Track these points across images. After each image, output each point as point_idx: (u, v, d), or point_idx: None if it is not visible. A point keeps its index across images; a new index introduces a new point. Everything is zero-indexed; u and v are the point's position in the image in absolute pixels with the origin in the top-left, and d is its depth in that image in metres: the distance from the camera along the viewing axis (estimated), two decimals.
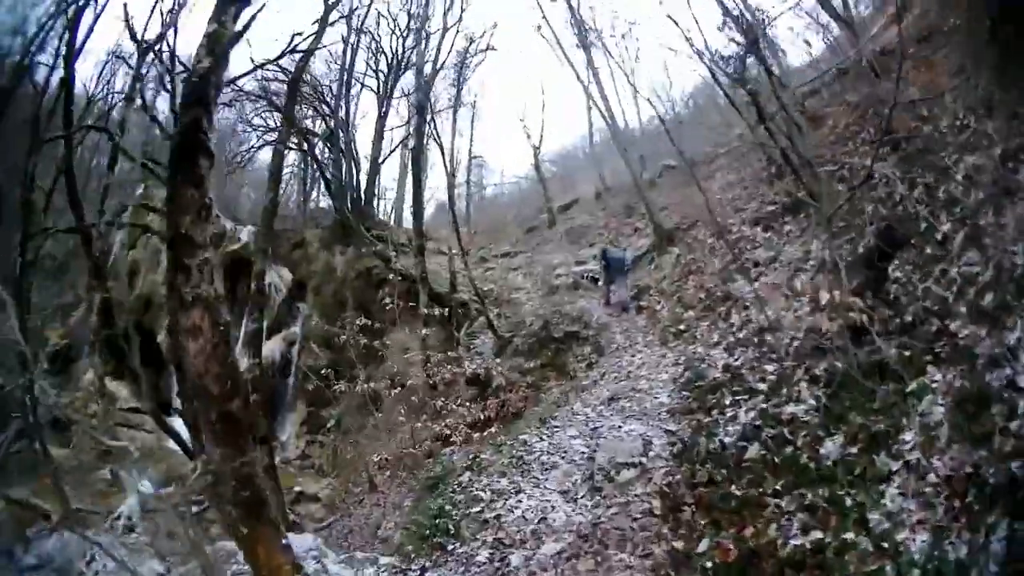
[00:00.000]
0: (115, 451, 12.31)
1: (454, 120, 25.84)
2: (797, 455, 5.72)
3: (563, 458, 6.73)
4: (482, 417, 11.27)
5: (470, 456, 7.56)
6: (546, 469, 6.57)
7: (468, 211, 32.01)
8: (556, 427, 7.76)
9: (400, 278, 16.46)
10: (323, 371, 13.31)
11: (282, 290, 19.56)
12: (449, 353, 14.81)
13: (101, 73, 16.38)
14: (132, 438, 13.39)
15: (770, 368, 7.19)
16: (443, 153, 18.55)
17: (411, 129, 19.53)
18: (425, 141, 20.66)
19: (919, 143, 7.52)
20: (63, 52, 10.78)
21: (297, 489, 12.62)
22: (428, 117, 18.77)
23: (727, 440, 6.09)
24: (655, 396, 7.92)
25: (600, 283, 15.12)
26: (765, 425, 6.19)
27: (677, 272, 13.45)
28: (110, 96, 16.87)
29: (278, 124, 20.41)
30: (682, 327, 10.75)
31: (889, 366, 5.94)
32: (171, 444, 11.89)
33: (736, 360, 7.82)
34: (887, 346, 6.23)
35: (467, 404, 11.84)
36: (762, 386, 6.90)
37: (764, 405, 6.54)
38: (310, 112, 22.22)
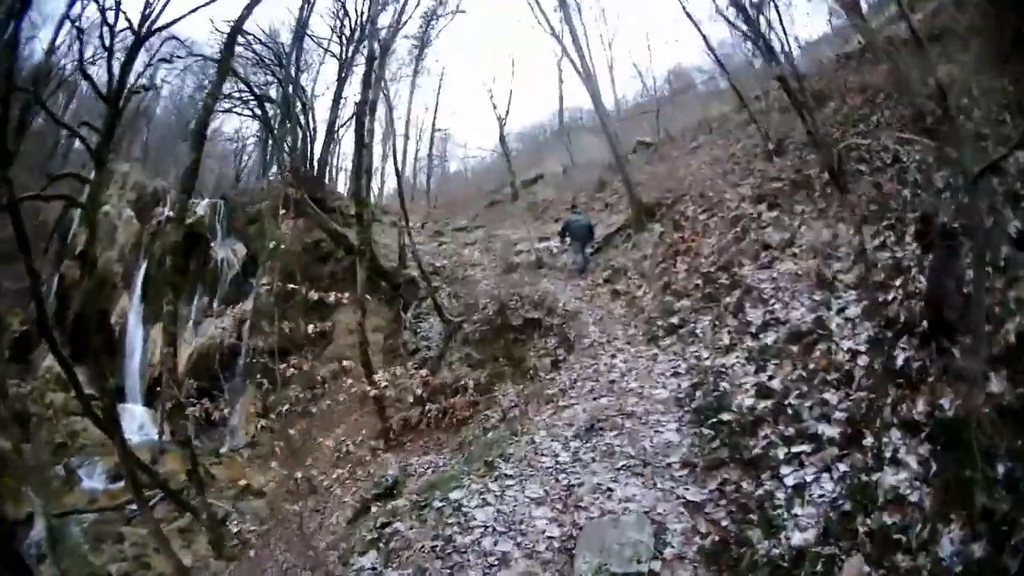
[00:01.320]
0: (70, 445, 11.76)
1: (413, 82, 22.88)
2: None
3: (519, 545, 3.95)
4: (424, 419, 9.94)
5: (379, 526, 4.74)
6: (491, 569, 3.82)
7: (429, 184, 29.43)
8: (508, 477, 4.97)
9: (345, 251, 13.85)
10: (272, 351, 11.60)
11: (235, 265, 17.51)
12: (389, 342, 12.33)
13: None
14: (86, 428, 12.37)
15: (833, 399, 4.62)
16: (390, 110, 15.64)
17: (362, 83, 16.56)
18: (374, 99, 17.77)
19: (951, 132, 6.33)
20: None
21: (243, 483, 11.03)
22: (380, 73, 15.74)
23: (796, 537, 3.48)
24: (656, 429, 5.26)
25: (567, 255, 13.50)
26: (856, 506, 3.61)
27: (661, 252, 10.86)
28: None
29: (240, 91, 18.76)
30: (675, 320, 8.18)
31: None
32: (127, 434, 10.47)
33: (773, 380, 5.24)
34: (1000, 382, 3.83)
35: (410, 399, 10.45)
36: (829, 431, 4.32)
37: (843, 466, 3.96)
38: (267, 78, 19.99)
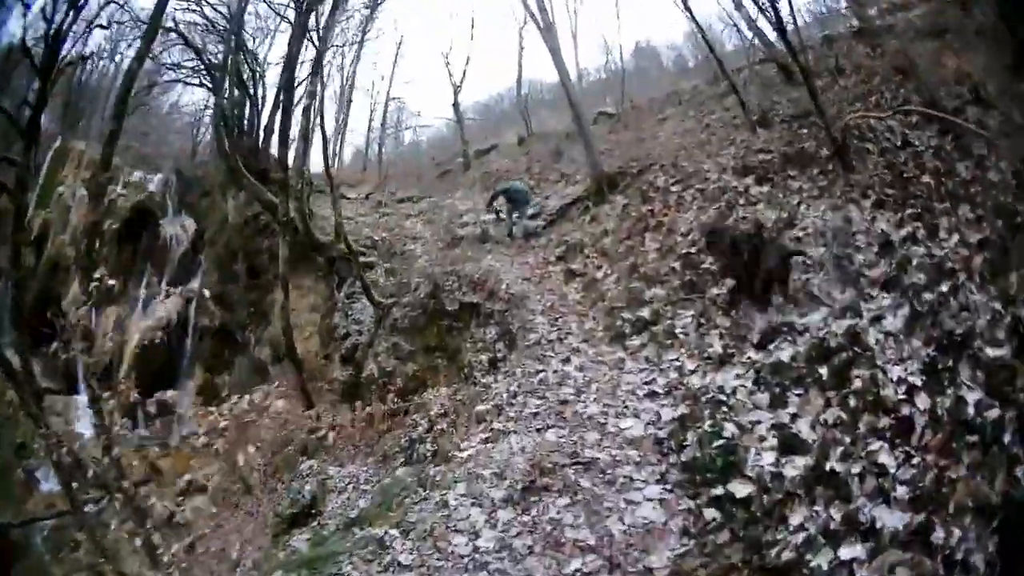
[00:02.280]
0: (28, 445, 10.84)
1: (361, 43, 20.16)
2: None
3: None
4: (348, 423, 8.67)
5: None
6: None
7: (381, 155, 26.94)
8: (402, 569, 3.06)
9: (281, 224, 11.88)
10: (217, 332, 12.36)
11: (184, 243, 15.87)
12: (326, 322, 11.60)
13: None
14: (44, 424, 10.49)
15: (890, 461, 2.89)
16: (318, 55, 13.15)
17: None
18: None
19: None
20: None
21: (187, 478, 10.37)
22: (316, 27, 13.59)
23: None
24: (628, 495, 3.39)
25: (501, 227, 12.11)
26: None
27: (627, 227, 9.03)
28: None
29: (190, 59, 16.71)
30: (646, 314, 6.39)
31: None
32: (80, 428, 11.05)
33: (800, 421, 3.46)
34: None
35: (337, 395, 9.72)
36: (890, 519, 2.58)
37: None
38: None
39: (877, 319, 4.20)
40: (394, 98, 25.82)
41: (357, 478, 7.18)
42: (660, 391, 4.69)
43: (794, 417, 3.56)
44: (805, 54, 9.12)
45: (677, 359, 5.16)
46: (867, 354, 3.78)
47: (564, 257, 9.69)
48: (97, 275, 10.91)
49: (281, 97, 17.68)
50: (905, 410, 3.29)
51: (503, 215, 12.06)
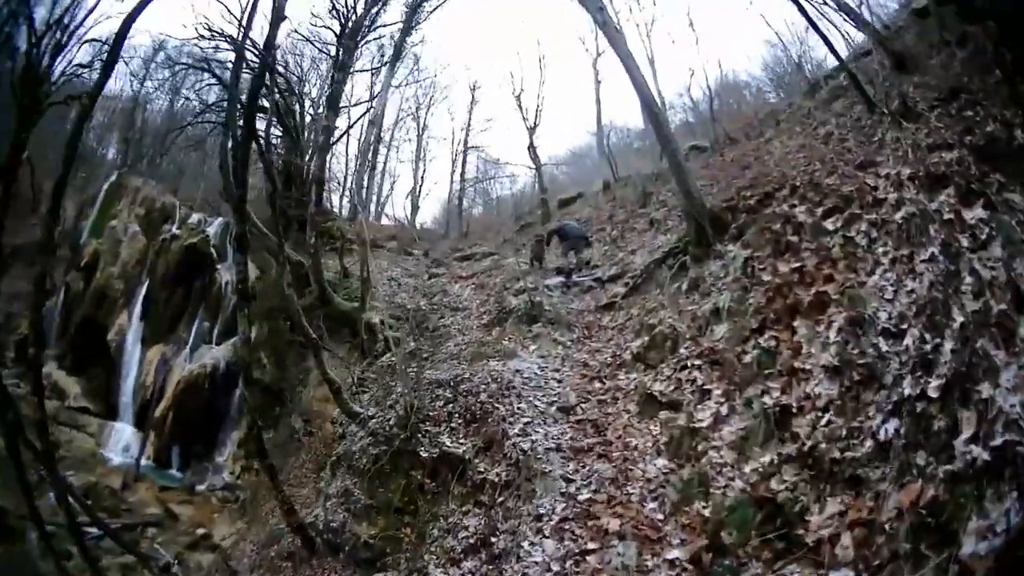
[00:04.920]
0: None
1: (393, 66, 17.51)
2: None
3: None
4: None
5: None
6: None
7: (460, 208, 23.98)
8: None
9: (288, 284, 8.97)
10: (267, 387, 10.69)
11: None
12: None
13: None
14: (72, 440, 11.73)
15: None
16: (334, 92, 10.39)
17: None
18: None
19: None
20: None
21: (201, 531, 9.51)
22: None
23: None
24: None
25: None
26: None
27: (754, 305, 4.51)
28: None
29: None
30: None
31: None
32: (109, 453, 11.40)
33: None
34: None
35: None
36: None
37: None
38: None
39: None
40: (472, 147, 23.00)
41: None
42: None
43: None
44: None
45: None
46: None
47: (644, 356, 5.31)
48: None
49: (321, 140, 15.24)
50: None
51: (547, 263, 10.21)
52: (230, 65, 14.36)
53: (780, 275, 4.74)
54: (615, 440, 4.04)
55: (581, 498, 3.47)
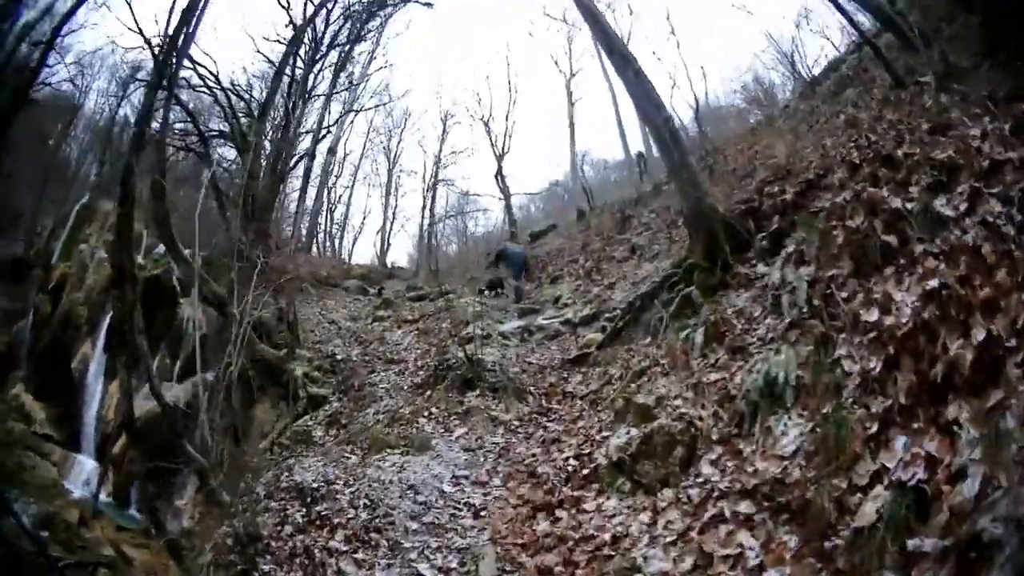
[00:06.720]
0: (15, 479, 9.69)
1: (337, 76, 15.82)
2: None
3: None
4: None
5: None
6: None
7: (429, 243, 21.76)
8: None
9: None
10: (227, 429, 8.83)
11: (202, 328, 13.57)
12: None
13: None
14: (36, 466, 10.66)
15: None
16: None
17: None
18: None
19: None
20: None
21: None
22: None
23: None
24: None
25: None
26: None
27: (852, 366, 2.13)
28: None
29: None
30: None
31: None
32: (70, 485, 10.49)
33: None
34: None
35: None
36: None
37: None
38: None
39: None
40: (442, 180, 21.05)
41: None
42: None
43: None
44: None
45: None
46: None
47: (631, 466, 2.85)
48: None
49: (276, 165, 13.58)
50: None
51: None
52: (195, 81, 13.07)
53: (893, 306, 2.37)
54: None
55: None
